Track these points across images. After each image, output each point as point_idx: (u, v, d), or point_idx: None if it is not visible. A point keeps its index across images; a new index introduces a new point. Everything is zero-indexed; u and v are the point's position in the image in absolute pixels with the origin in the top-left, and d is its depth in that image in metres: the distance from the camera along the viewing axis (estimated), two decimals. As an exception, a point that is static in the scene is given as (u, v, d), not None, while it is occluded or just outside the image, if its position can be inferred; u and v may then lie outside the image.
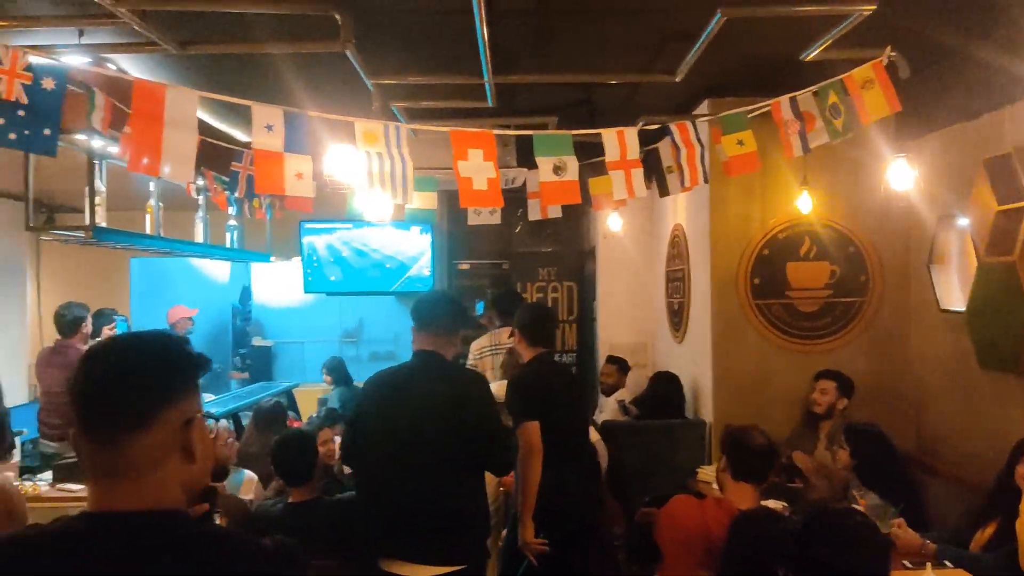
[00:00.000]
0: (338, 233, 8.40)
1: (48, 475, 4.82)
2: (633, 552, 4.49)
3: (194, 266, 8.52)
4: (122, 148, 3.00)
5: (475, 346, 5.74)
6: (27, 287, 7.52)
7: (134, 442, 1.31)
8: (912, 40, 3.82)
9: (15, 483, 4.38)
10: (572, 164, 3.02)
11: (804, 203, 4.84)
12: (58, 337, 5.88)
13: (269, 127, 2.54)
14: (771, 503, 4.06)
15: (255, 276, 9.14)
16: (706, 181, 3.43)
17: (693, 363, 5.72)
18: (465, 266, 9.38)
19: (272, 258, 7.81)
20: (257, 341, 8.96)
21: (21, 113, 2.14)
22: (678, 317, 6.11)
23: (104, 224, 4.63)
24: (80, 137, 4.12)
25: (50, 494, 4.60)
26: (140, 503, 1.31)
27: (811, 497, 4.44)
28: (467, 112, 5.07)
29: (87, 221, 4.58)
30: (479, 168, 2.83)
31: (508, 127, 5.37)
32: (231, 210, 6.64)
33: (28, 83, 2.14)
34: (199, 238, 6.42)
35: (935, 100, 4.60)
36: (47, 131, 2.16)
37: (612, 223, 6.57)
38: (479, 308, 7.87)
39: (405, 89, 4.52)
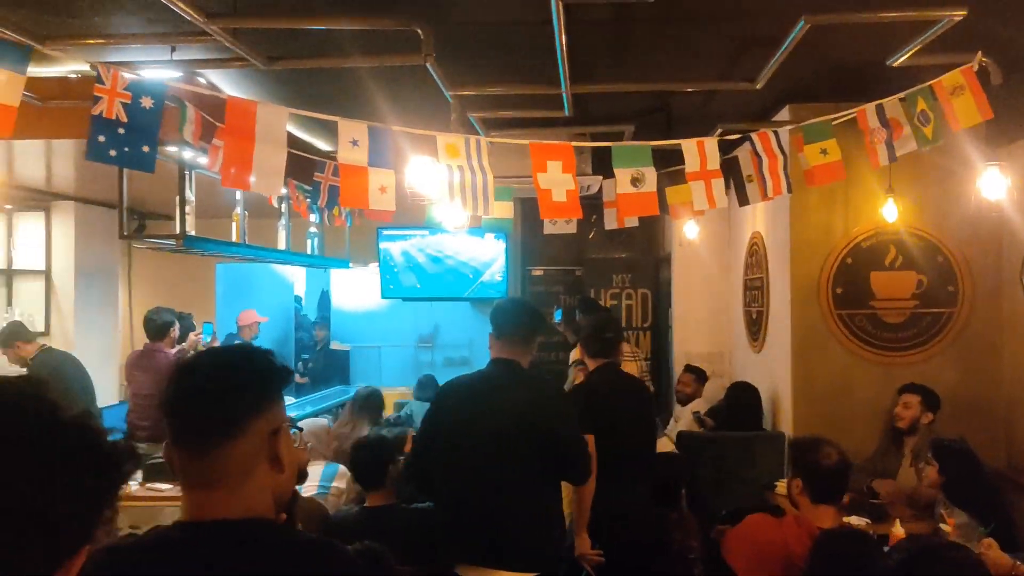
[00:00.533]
0: (414, 240, 8.54)
1: (138, 475, 4.98)
2: (711, 566, 4.43)
3: (276, 272, 8.75)
4: (212, 161, 3.11)
5: (575, 354, 5.80)
6: (119, 291, 7.83)
7: (224, 452, 1.36)
8: (1003, 45, 3.69)
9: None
10: (650, 176, 3.01)
11: (890, 211, 4.71)
12: (147, 341, 6.10)
13: (354, 142, 2.60)
14: (854, 520, 3.96)
15: (333, 281, 9.32)
16: (789, 191, 3.37)
17: (771, 373, 5.62)
18: (538, 272, 9.39)
19: (351, 264, 7.98)
20: (335, 345, 9.14)
21: (121, 131, 2.24)
22: (756, 326, 6.01)
23: (193, 232, 4.80)
24: (171, 149, 4.29)
25: (140, 493, 4.76)
26: (233, 512, 1.36)
27: (895, 515, 4.32)
28: (543, 121, 5.09)
29: (177, 230, 4.76)
30: (558, 180, 2.85)
31: (584, 135, 5.37)
32: (312, 218, 6.81)
33: (127, 102, 2.24)
34: (281, 245, 6.60)
35: (1028, 105, 4.43)
36: (146, 148, 2.25)
37: (688, 231, 6.51)
38: (557, 315, 7.88)
39: (483, 100, 4.57)
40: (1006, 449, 4.91)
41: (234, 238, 5.80)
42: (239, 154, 2.35)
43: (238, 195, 5.84)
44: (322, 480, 4.28)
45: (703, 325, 7.20)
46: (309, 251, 7.32)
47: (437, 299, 8.74)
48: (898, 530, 3.58)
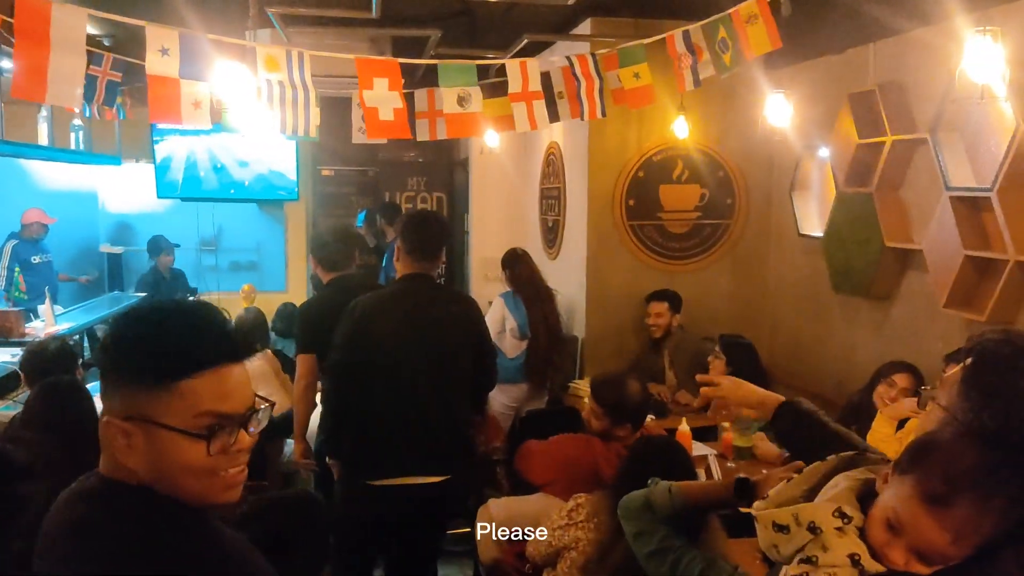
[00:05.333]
0: (195, 136, 7.92)
1: None
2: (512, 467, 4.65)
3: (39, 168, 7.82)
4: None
5: None
6: None
7: None
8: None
9: None
10: (476, 95, 2.96)
11: (680, 128, 4.96)
12: None
13: (164, 51, 2.33)
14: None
15: (103, 180, 8.48)
16: (603, 115, 3.45)
17: (567, 280, 5.85)
18: (329, 172, 9.08)
19: (123, 161, 7.35)
20: (104, 248, 8.41)
21: None
22: (552, 234, 6.21)
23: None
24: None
25: None
26: None
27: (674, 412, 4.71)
28: (346, 21, 4.84)
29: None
30: (385, 98, 2.72)
31: (388, 38, 5.18)
32: (76, 109, 6.17)
33: None
34: (43, 140, 5.96)
35: (805, 33, 4.75)
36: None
37: (489, 139, 6.52)
38: (360, 219, 7.72)
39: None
40: (769, 351, 5.46)
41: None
42: (33, 61, 2.03)
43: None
44: None
45: (501, 231, 7.31)
46: (74, 146, 6.65)
47: (220, 200, 8.24)
48: (684, 428, 3.92)
